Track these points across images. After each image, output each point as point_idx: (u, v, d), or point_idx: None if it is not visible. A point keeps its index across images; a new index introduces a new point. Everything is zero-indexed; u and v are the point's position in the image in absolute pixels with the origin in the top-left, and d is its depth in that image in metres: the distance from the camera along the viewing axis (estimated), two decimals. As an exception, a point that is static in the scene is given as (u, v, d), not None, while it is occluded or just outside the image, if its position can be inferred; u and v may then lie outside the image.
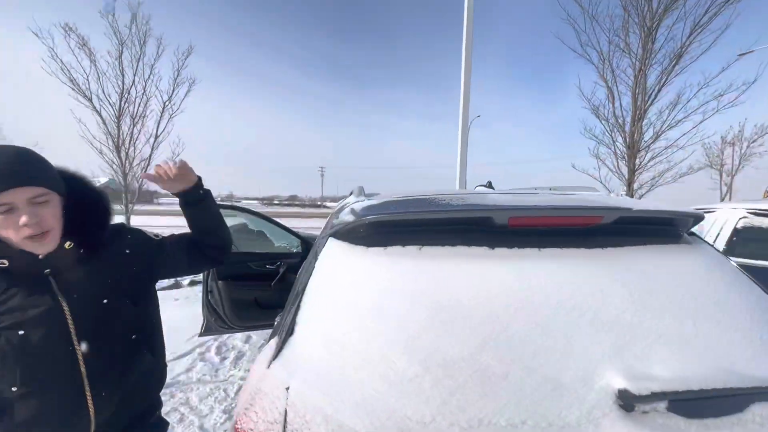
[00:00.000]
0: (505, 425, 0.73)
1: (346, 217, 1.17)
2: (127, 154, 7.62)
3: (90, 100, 7.20)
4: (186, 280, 7.39)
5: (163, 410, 2.97)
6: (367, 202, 1.25)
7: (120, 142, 7.55)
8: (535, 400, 0.76)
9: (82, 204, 1.00)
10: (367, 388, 0.80)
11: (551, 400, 0.76)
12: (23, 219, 0.85)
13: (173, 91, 7.99)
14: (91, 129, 7.31)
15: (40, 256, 0.94)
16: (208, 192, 1.22)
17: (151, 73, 7.71)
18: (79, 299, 0.99)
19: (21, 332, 0.92)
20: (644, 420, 0.75)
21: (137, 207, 8.59)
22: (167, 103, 7.93)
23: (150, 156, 7.81)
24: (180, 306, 5.60)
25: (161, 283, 7.33)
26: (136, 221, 8.98)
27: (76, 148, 7.49)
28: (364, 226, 1.10)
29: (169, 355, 3.98)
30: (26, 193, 0.85)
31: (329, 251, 1.12)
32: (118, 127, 7.51)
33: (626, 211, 1.06)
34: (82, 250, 1.01)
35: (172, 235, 1.25)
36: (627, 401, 0.76)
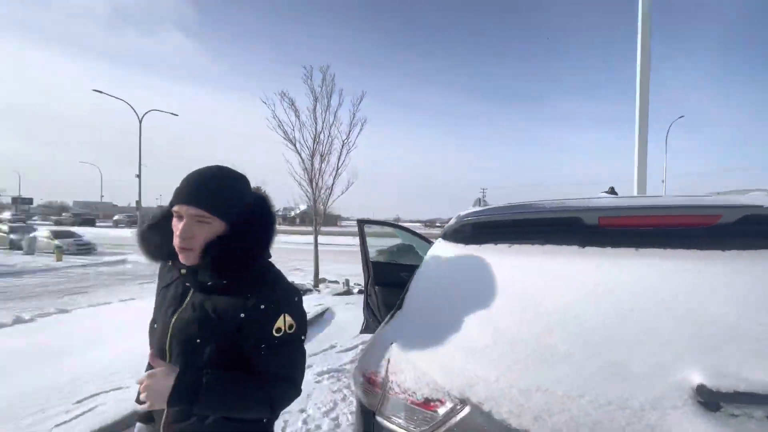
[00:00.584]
0: (561, 395, 0.82)
1: (453, 221, 1.39)
2: (317, 184, 9.60)
3: (294, 144, 9.49)
4: (356, 288, 8.56)
5: (333, 389, 3.62)
6: (472, 209, 1.44)
7: (312, 175, 9.59)
8: (597, 380, 0.82)
9: (239, 239, 0.96)
10: (448, 350, 1.00)
11: (615, 383, 0.80)
12: (179, 230, 0.94)
13: (350, 130, 9.71)
14: (294, 167, 9.62)
15: (182, 270, 0.99)
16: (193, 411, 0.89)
17: (334, 119, 9.62)
18: (182, 324, 0.98)
19: (155, 325, 1.05)
20: (724, 420, 0.71)
21: (324, 228, 10.48)
22: (345, 141, 9.68)
23: (332, 185, 9.70)
24: (350, 309, 6.59)
25: (337, 288, 8.70)
26: (322, 240, 10.96)
27: (287, 182, 9.87)
28: (464, 227, 1.30)
29: (338, 348, 4.78)
30: (191, 210, 0.93)
31: (435, 248, 1.36)
32: (312, 164, 9.58)
33: (754, 209, 0.95)
34: (215, 281, 0.96)
35: (260, 355, 0.95)
36: (708, 399, 0.74)
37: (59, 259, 14.64)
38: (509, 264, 1.12)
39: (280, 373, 0.94)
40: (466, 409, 0.89)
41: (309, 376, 3.91)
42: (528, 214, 1.17)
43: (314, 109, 9.72)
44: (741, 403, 0.72)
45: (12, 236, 19.27)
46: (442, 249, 1.33)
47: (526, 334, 0.94)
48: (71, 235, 18.23)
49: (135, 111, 20.13)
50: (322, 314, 6.24)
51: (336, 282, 9.45)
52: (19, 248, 17.92)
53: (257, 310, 0.93)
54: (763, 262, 0.90)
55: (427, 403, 0.95)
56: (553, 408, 0.81)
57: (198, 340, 0.94)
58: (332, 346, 4.89)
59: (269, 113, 9.61)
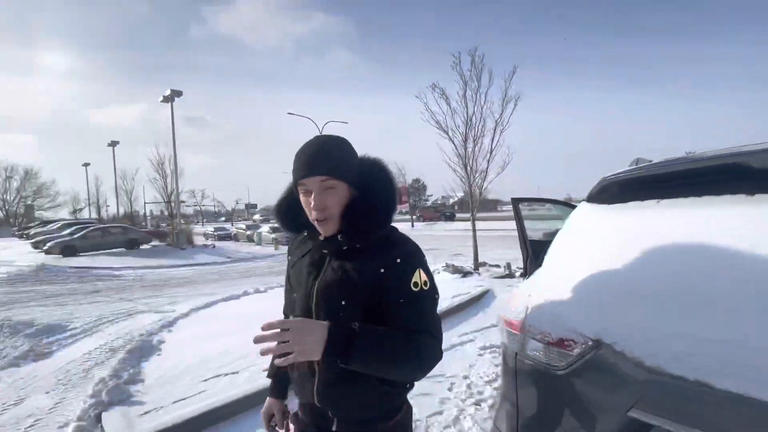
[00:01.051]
0: (701, 338, 0.82)
1: (597, 183, 1.39)
2: (471, 169, 9.68)
3: (446, 132, 9.79)
4: (518, 272, 8.32)
5: (494, 363, 3.76)
6: (621, 170, 1.40)
7: (466, 160, 9.72)
8: (745, 327, 0.79)
9: (367, 200, 0.96)
10: (581, 298, 1.08)
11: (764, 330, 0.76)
12: (312, 203, 0.93)
13: (502, 109, 9.40)
14: (448, 153, 9.96)
15: (320, 237, 0.99)
16: (351, 352, 0.84)
17: (485, 100, 9.47)
18: (325, 287, 0.97)
19: (294, 294, 1.06)
20: None
21: (483, 214, 10.49)
22: (498, 120, 9.42)
23: (486, 168, 9.60)
24: (510, 290, 6.49)
25: (497, 271, 8.63)
26: (482, 225, 10.99)
27: (443, 170, 10.32)
28: (607, 187, 1.30)
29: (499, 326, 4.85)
30: (318, 179, 0.92)
31: (577, 211, 1.39)
32: (465, 148, 9.71)
33: None
34: (350, 245, 0.96)
35: (400, 309, 0.94)
36: None
37: (276, 249, 19.75)
38: (656, 219, 1.10)
39: (422, 327, 0.92)
40: (600, 348, 0.97)
41: (472, 349, 4.16)
42: (679, 166, 1.11)
43: (464, 93, 9.79)
44: None
45: (248, 232, 27.82)
46: (583, 210, 1.36)
47: (665, 285, 0.94)
48: (283, 229, 24.68)
49: (316, 124, 24.42)
50: (482, 295, 6.38)
51: (497, 266, 9.36)
52: (252, 241, 25.36)
53: (395, 264, 0.94)
54: None
55: (562, 342, 1.06)
56: (692, 350, 0.83)
57: (342, 302, 0.94)
58: (493, 325, 5.00)
59: (423, 107, 10.19)
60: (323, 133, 1.07)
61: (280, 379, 1.20)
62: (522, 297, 1.26)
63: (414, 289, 0.93)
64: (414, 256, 0.97)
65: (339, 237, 0.96)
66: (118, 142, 34.35)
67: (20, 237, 32.86)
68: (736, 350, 0.79)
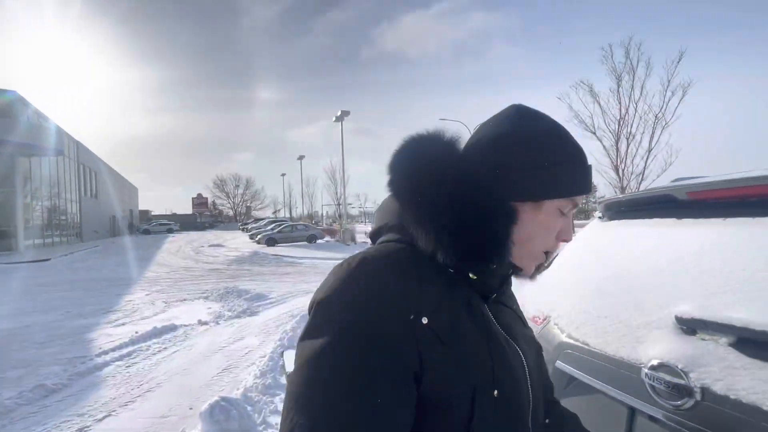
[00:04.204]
0: (595, 315, 1.24)
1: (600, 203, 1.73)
2: (623, 171, 8.67)
3: (594, 132, 9.02)
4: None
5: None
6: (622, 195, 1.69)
7: (618, 161, 8.75)
8: (620, 309, 1.18)
9: None
10: (548, 290, 1.53)
11: (628, 312, 1.15)
12: (564, 230, 0.60)
13: (663, 102, 8.10)
14: (594, 155, 9.14)
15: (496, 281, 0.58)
16: None
17: (641, 93, 8.34)
18: (528, 351, 0.61)
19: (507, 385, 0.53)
20: (699, 344, 0.96)
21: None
22: (658, 115, 8.17)
23: (643, 171, 8.41)
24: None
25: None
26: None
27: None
28: (602, 207, 1.66)
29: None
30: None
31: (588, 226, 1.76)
32: (617, 149, 8.75)
33: None
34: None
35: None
36: (687, 326, 1.00)
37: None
38: (621, 234, 1.46)
39: None
40: (547, 321, 1.44)
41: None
42: (635, 195, 1.43)
43: (618, 88, 8.87)
44: (712, 330, 0.96)
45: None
46: (590, 226, 1.72)
47: (594, 283, 1.34)
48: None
49: (468, 128, 25.02)
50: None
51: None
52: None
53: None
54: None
55: (535, 317, 1.54)
56: (587, 322, 1.25)
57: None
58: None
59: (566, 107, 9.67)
60: None
61: None
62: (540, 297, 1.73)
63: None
64: None
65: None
66: (303, 156, 42.67)
67: (242, 230, 43.84)
68: (603, 320, 1.19)
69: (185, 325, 5.88)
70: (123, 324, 6.12)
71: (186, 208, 72.86)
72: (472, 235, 0.50)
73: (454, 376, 0.48)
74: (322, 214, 56.50)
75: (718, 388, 0.87)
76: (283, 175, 57.23)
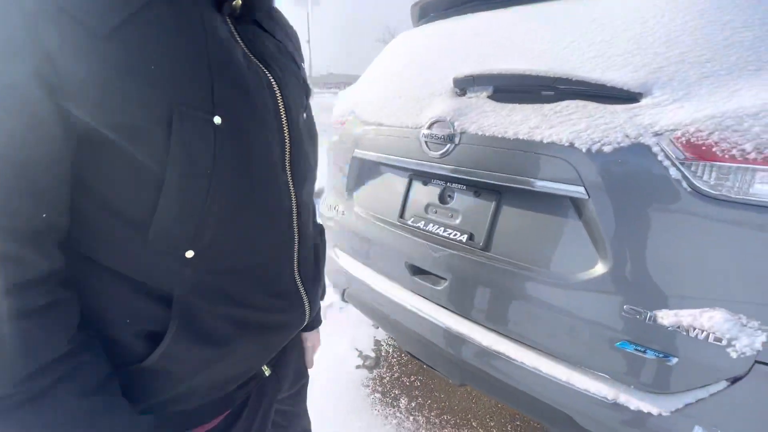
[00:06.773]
0: (388, 113, 1.26)
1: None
2: None
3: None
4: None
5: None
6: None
7: None
8: (412, 88, 1.21)
9: None
10: (365, 93, 1.48)
11: (422, 89, 1.19)
12: None
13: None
14: None
15: None
16: None
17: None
18: (287, 81, 0.51)
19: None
20: (466, 101, 1.05)
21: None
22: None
23: None
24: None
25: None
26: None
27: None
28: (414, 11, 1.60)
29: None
30: None
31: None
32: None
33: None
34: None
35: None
36: (459, 86, 1.08)
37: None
38: (428, 33, 1.45)
39: None
40: (352, 116, 1.43)
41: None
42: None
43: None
44: (476, 85, 1.05)
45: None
46: (402, 35, 1.67)
47: (398, 75, 1.35)
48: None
49: None
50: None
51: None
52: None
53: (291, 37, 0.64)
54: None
55: (338, 120, 1.51)
56: (384, 106, 1.27)
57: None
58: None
59: None
60: None
61: None
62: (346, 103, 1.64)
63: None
64: None
65: None
66: None
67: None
68: (398, 100, 1.22)
69: None
70: None
71: None
72: None
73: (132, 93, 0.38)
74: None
75: (472, 129, 1.00)
76: None
